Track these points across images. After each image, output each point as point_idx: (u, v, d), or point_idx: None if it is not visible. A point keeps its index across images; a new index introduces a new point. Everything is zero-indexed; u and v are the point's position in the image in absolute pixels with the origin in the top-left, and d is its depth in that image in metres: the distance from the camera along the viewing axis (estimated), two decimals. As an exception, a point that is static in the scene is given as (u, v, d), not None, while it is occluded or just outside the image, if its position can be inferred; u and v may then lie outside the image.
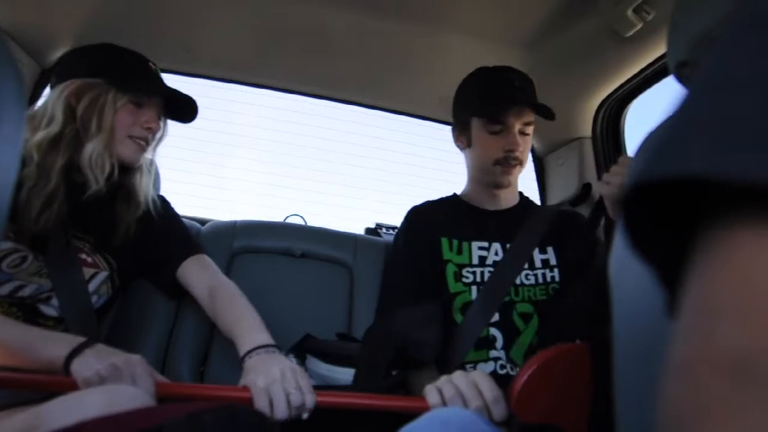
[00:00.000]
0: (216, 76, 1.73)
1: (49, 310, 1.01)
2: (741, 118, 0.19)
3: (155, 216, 1.18)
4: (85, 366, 0.80)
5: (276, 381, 0.83)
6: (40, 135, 1.01)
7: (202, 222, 1.50)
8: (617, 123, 1.59)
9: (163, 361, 1.23)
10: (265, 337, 0.97)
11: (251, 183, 3.08)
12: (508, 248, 1.21)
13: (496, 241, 1.24)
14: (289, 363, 0.89)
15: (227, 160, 3.10)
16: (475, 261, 1.21)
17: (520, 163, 1.24)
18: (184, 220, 1.44)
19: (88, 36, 1.37)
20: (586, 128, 1.63)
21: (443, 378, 0.85)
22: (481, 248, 1.23)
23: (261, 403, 0.81)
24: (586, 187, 1.61)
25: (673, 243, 0.24)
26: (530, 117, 1.22)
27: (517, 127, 1.21)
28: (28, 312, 0.99)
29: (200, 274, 1.15)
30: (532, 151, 1.80)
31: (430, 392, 0.84)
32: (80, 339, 0.85)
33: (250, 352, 0.93)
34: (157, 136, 1.17)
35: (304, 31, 1.49)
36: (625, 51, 1.34)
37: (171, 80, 1.72)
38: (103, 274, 1.10)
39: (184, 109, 1.18)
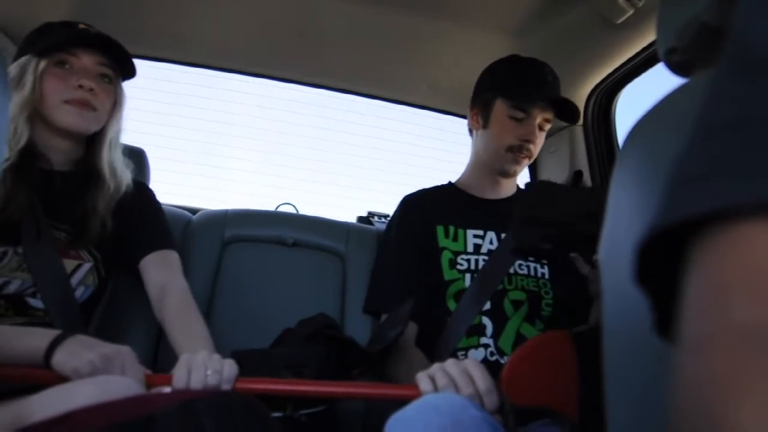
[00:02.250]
0: (206, 64, 1.71)
1: (37, 303, 0.99)
2: (738, 161, 0.22)
3: (134, 206, 1.14)
4: (73, 356, 0.78)
5: (198, 359, 0.84)
6: None
7: (194, 211, 1.50)
8: (608, 110, 1.59)
9: (155, 352, 1.23)
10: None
11: (242, 172, 3.06)
12: (503, 237, 1.22)
13: (491, 229, 1.24)
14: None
15: (218, 148, 3.08)
16: (470, 249, 1.21)
17: (530, 156, 1.24)
18: (175, 209, 1.44)
19: (75, 23, 1.35)
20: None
21: (435, 365, 0.86)
22: (476, 236, 1.23)
23: (179, 372, 0.81)
24: (578, 175, 1.62)
25: (662, 259, 0.25)
26: (550, 114, 1.24)
27: (538, 119, 1.22)
28: (16, 305, 0.98)
29: (156, 271, 1.09)
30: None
31: (422, 380, 0.84)
32: (57, 331, 0.83)
33: None
34: (104, 99, 1.08)
35: (295, 19, 1.47)
36: (616, 38, 1.34)
37: (161, 68, 1.71)
38: (87, 266, 1.07)
39: (126, 63, 1.11)
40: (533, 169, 1.83)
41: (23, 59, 1.04)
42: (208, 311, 1.30)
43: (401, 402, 0.75)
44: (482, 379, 0.81)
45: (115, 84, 1.13)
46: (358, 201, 3.01)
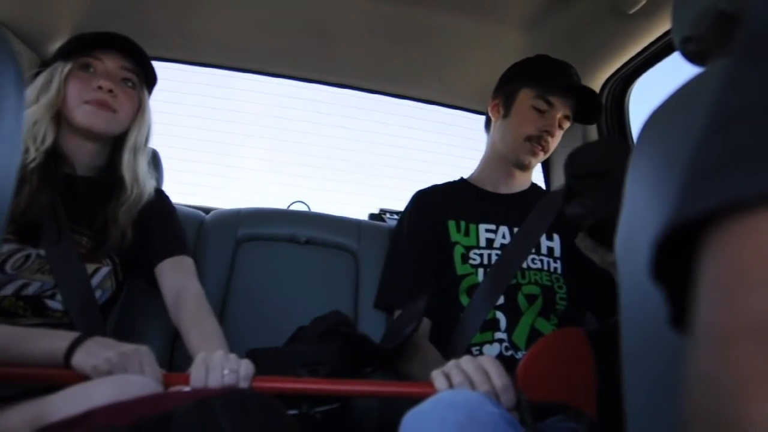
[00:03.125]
0: (218, 63, 1.72)
1: (55, 305, 1.01)
2: (752, 150, 0.22)
3: (153, 214, 1.15)
4: (92, 355, 0.80)
5: (215, 358, 0.84)
6: None
7: (207, 210, 1.50)
8: (621, 102, 1.57)
9: (170, 353, 1.24)
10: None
11: (255, 170, 3.08)
12: (516, 231, 1.21)
13: (503, 224, 1.23)
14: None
15: (231, 148, 3.10)
16: (483, 243, 1.21)
17: (546, 150, 1.25)
18: (189, 209, 1.45)
19: (86, 25, 1.35)
20: (590, 108, 1.61)
21: (451, 363, 0.85)
22: (488, 230, 1.22)
23: (196, 371, 0.82)
24: (591, 168, 1.60)
25: (677, 253, 0.25)
26: (571, 113, 1.25)
27: (560, 114, 1.23)
28: (34, 306, 0.99)
29: (171, 276, 1.11)
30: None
31: (438, 377, 0.83)
32: (76, 333, 0.85)
33: None
34: (125, 102, 1.10)
35: (306, 16, 1.47)
36: (629, 28, 1.32)
37: (172, 69, 1.72)
38: (105, 269, 1.08)
39: (149, 69, 1.15)
40: (546, 165, 1.81)
41: (53, 65, 1.08)
42: (222, 310, 1.31)
43: (416, 398, 0.75)
44: (498, 376, 0.81)
45: (139, 89, 1.14)
46: (369, 198, 3.02)
